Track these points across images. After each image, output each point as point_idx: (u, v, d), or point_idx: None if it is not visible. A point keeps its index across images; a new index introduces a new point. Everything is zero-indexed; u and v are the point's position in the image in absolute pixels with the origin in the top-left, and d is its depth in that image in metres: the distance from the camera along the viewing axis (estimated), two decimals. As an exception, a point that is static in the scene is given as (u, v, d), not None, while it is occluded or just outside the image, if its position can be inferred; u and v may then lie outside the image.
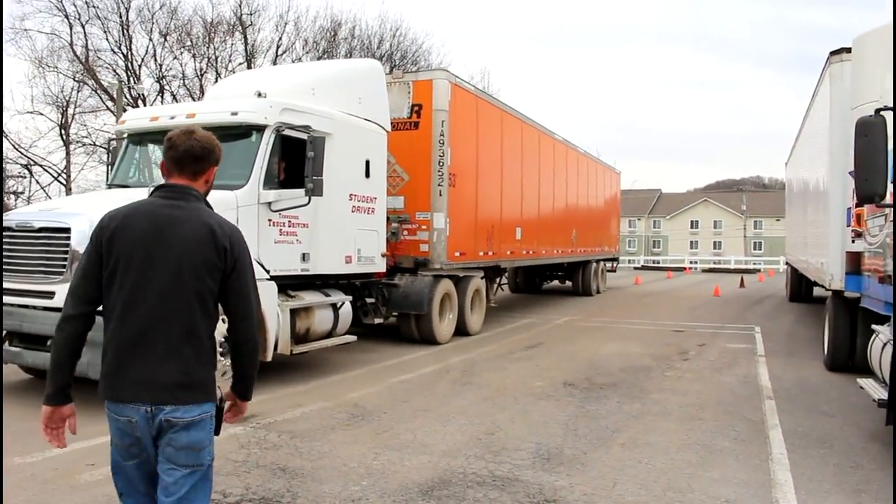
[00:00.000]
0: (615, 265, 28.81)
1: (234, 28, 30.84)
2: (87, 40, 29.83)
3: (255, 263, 3.42)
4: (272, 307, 8.35)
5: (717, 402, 8.60)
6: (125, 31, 29.85)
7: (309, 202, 8.63)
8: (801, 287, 22.04)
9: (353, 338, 10.14)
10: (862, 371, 10.47)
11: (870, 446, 6.87)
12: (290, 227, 8.86)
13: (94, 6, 29.30)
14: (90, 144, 30.58)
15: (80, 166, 31.67)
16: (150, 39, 30.29)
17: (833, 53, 10.74)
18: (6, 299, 7.35)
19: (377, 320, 11.57)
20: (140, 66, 30.55)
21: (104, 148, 28.50)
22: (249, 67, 29.73)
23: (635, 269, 47.35)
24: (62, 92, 30.14)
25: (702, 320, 17.38)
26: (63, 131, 30.40)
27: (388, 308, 12.02)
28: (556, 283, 25.06)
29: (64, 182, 30.49)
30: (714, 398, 8.83)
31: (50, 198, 27.00)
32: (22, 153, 29.75)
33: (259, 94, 9.01)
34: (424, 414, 7.60)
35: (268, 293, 8.28)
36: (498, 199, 15.02)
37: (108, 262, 2.90)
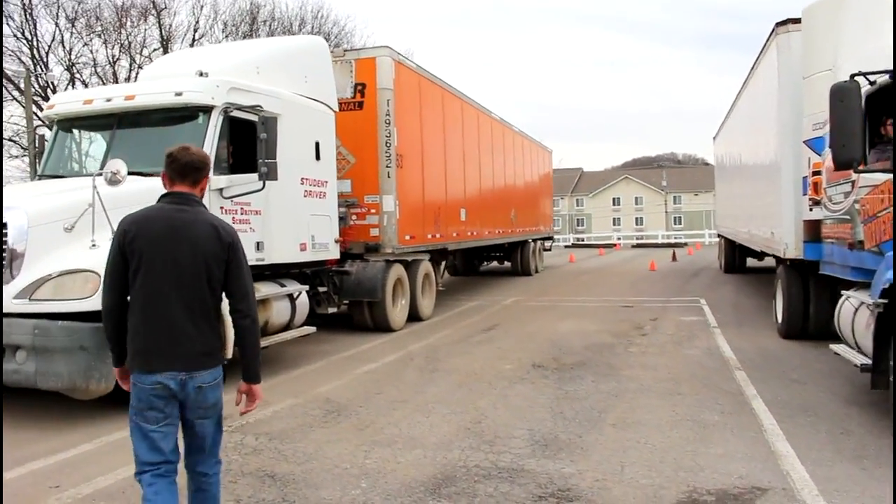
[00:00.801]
0: (550, 244, 28.91)
1: (147, 12, 29.34)
2: (-15, 26, 27.91)
3: None
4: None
5: (690, 376, 8.54)
6: (28, 15, 28.01)
7: (264, 187, 8.10)
8: (734, 258, 22.56)
9: (313, 329, 9.66)
10: (816, 337, 10.67)
11: (851, 411, 6.88)
12: (242, 214, 8.30)
13: (-9, -12, 27.35)
14: (-5, 138, 28.66)
15: (-13, 161, 29.64)
16: (57, 25, 28.54)
17: (779, 24, 10.78)
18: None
19: (331, 310, 11.10)
20: (47, 54, 28.74)
21: (13, 141, 26.84)
22: (165, 52, 28.35)
23: (566, 247, 47.85)
24: (-40, 82, 28.14)
25: (646, 294, 17.52)
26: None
27: (340, 296, 11.55)
28: (494, 264, 24.94)
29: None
30: (685, 372, 8.78)
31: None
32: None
33: (201, 74, 8.39)
34: (402, 405, 7.24)
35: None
36: (443, 180, 14.68)
37: (133, 259, 3.50)
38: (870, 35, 7.38)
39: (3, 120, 28.40)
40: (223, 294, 3.63)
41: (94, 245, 6.57)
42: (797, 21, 10.34)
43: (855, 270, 7.82)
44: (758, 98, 13.20)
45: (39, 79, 27.61)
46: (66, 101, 8.62)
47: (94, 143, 8.63)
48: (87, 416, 6.78)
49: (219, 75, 8.36)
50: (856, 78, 6.49)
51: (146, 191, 7.26)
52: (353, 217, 11.82)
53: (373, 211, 11.91)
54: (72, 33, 28.83)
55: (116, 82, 28.02)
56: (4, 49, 28.16)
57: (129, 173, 6.80)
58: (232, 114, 8.09)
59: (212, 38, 30.49)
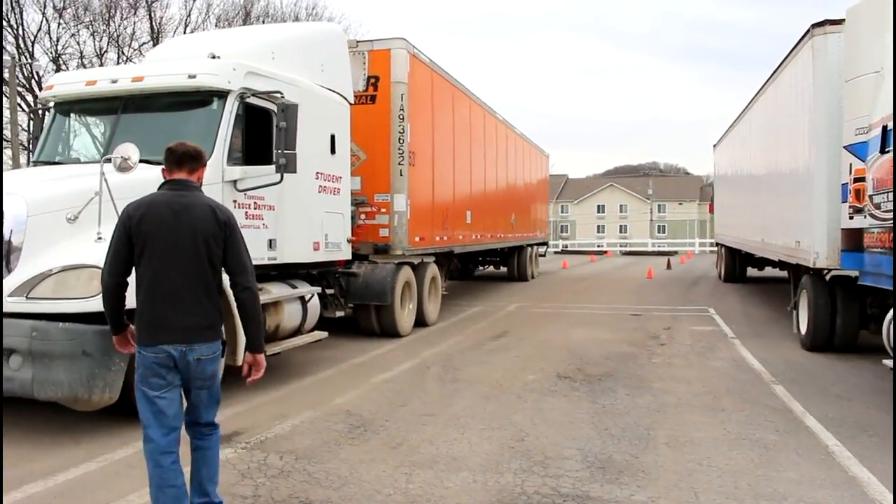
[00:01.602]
0: (545, 250, 28.44)
1: (137, 3, 28.50)
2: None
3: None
4: (242, 302, 7.19)
5: (726, 390, 8.06)
6: (14, 3, 27.03)
7: (282, 180, 7.50)
8: (734, 268, 22.21)
9: (325, 334, 9.05)
10: (842, 350, 10.26)
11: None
12: (255, 209, 7.70)
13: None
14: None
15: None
16: (44, 14, 27.62)
17: (815, 26, 10.32)
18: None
19: (339, 313, 10.49)
20: (33, 44, 27.81)
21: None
22: (156, 46, 27.56)
23: (555, 253, 47.43)
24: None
25: (651, 303, 17.07)
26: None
27: (347, 299, 10.94)
28: (489, 269, 24.40)
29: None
30: (720, 385, 8.31)
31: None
32: None
33: (213, 57, 7.79)
34: (432, 420, 6.67)
35: (238, 286, 7.13)
36: (451, 180, 14.14)
37: (138, 242, 3.82)
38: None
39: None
40: (223, 270, 3.97)
41: (99, 238, 5.93)
42: (836, 22, 9.91)
43: (909, 281, 7.36)
44: (782, 104, 12.75)
45: (24, 68, 26.67)
46: (67, 82, 7.94)
47: (96, 129, 7.98)
48: (89, 430, 6.13)
49: (232, 59, 7.75)
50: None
51: (156, 179, 6.70)
52: (362, 216, 11.23)
53: (383, 210, 11.33)
54: (59, 24, 27.95)
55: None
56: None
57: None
58: (248, 100, 7.48)
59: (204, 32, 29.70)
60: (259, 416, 6.74)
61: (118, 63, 28.50)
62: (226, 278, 4.03)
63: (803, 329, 10.95)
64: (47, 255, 5.94)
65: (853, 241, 9.00)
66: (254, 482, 4.93)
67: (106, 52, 28.41)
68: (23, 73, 26.67)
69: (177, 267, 3.80)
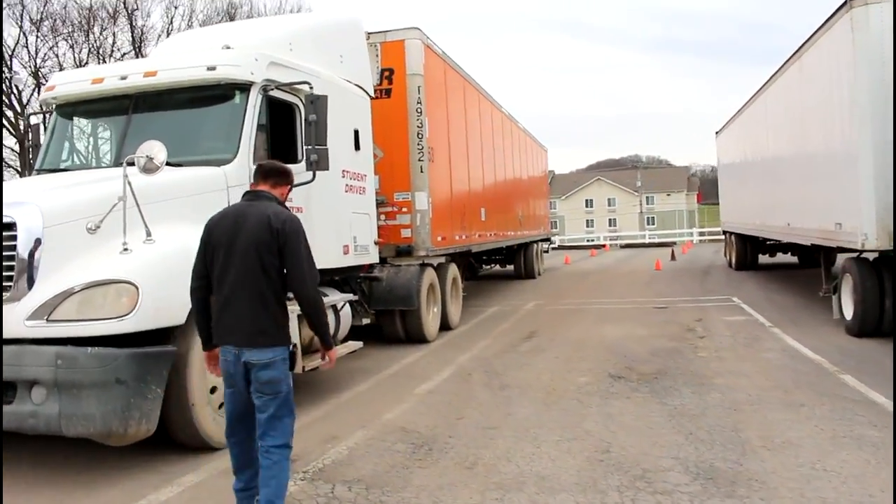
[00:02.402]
0: (549, 246, 27.92)
1: (117, 13, 27.66)
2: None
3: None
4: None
5: (794, 383, 7.55)
6: (-10, 17, 26.11)
7: (314, 178, 6.88)
8: (746, 255, 21.76)
9: (360, 344, 8.43)
10: (890, 335, 9.77)
11: None
12: (285, 212, 7.07)
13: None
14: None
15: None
16: (21, 27, 26.72)
17: (853, -3, 9.82)
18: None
19: (365, 321, 9.89)
20: (11, 57, 26.86)
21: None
22: (138, 56, 26.79)
23: (553, 248, 46.85)
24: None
25: (670, 295, 16.55)
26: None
27: (370, 305, 10.32)
28: (496, 267, 23.80)
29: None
30: (784, 378, 7.79)
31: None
32: None
33: (227, 48, 7.16)
34: (498, 433, 6.08)
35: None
36: (466, 177, 13.56)
37: (209, 250, 4.13)
38: None
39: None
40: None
41: (126, 249, 5.30)
42: (881, -8, 9.42)
43: None
44: (810, 84, 12.25)
45: (4, 82, 25.77)
46: (70, 81, 7.23)
47: (104, 131, 7.32)
48: (125, 468, 5.49)
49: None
50: None
51: (184, 182, 6.07)
52: (382, 217, 10.60)
53: (404, 209, 10.73)
54: (37, 36, 27.06)
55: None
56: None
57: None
58: (271, 93, 6.87)
59: (187, 39, 28.91)
60: (306, 438, 6.11)
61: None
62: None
63: (848, 314, 10.47)
64: (68, 271, 5.28)
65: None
66: (329, 519, 4.33)
67: (87, 63, 27.51)
68: (1, 88, 25.76)
69: (233, 274, 3.96)
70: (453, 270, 12.61)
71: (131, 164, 5.44)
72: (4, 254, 5.21)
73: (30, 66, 27.28)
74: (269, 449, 3.96)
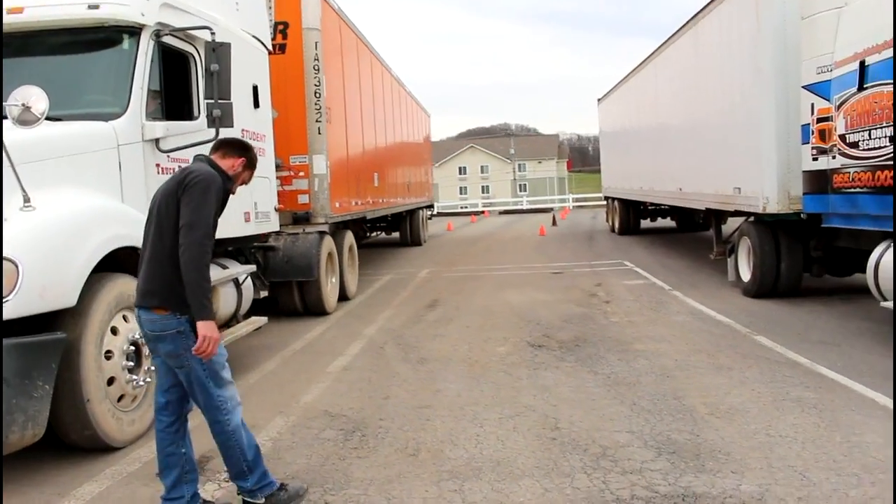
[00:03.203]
0: (432, 213, 27.62)
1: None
2: None
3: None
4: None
5: (713, 346, 7.56)
6: None
7: (217, 136, 6.08)
8: (629, 220, 22.28)
9: (265, 319, 7.74)
10: (785, 295, 10.09)
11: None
12: (181, 175, 6.25)
13: None
14: None
15: None
16: None
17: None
18: None
19: (263, 293, 9.12)
20: None
21: None
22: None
23: (432, 216, 46.56)
24: None
25: (562, 259, 16.60)
26: None
27: (265, 276, 9.56)
28: (381, 235, 23.24)
29: None
30: (702, 341, 7.81)
31: None
32: None
33: (109, -11, 6.19)
34: (433, 413, 5.63)
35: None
36: (360, 141, 12.90)
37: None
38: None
39: None
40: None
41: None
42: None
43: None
44: (707, 50, 12.36)
45: None
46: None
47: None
48: (6, 482, 4.62)
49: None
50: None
51: (67, 138, 5.17)
52: (278, 181, 9.81)
53: (301, 174, 10.02)
54: None
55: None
56: None
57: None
58: (164, 39, 5.99)
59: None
60: (220, 428, 5.43)
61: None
62: None
63: (745, 276, 10.71)
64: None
65: (817, 183, 8.66)
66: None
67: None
68: None
69: (148, 232, 3.72)
70: (350, 238, 12.01)
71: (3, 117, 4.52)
72: None
73: None
74: (209, 423, 3.72)
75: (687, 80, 13.75)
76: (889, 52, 6.93)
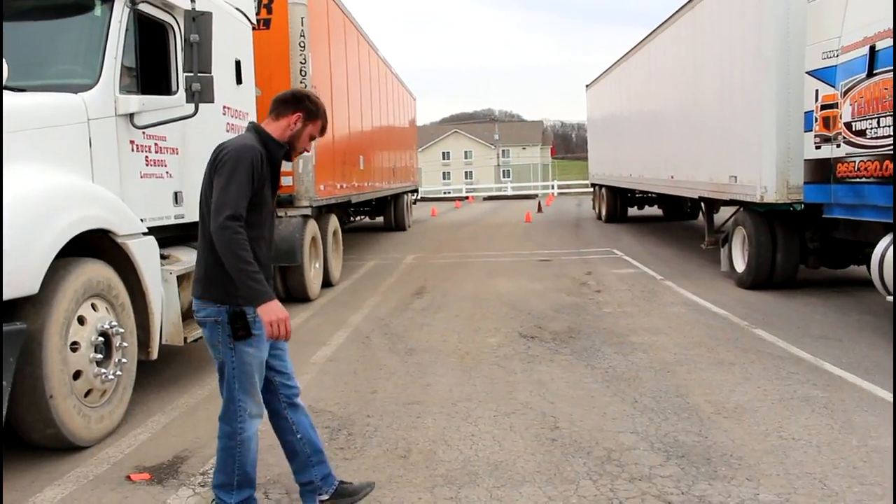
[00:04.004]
0: (416, 198, 27.27)
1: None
2: None
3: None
4: (155, 277, 5.45)
5: (712, 339, 7.30)
6: None
7: (196, 112, 5.70)
8: (616, 208, 22.05)
9: (247, 307, 7.35)
10: (781, 287, 9.86)
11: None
12: (157, 153, 5.88)
13: None
14: None
15: None
16: None
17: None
18: None
19: (244, 280, 8.75)
20: None
21: None
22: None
23: (416, 200, 46.15)
24: None
25: (550, 247, 16.34)
26: None
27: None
28: (365, 219, 22.88)
29: None
30: (700, 334, 7.55)
31: None
32: None
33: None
34: (424, 410, 5.31)
35: (148, 256, 5.37)
36: (346, 122, 12.52)
37: None
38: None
39: None
40: None
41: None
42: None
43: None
44: (706, 35, 12.04)
45: None
46: None
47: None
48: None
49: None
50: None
51: (31, 110, 4.76)
52: (261, 163, 9.42)
53: (285, 155, 9.58)
54: None
55: None
56: None
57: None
58: (140, 7, 5.59)
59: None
60: (196, 426, 5.11)
61: None
62: None
63: (739, 267, 10.48)
64: None
65: (819, 172, 8.40)
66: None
67: None
68: None
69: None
70: (334, 222, 11.64)
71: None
72: None
73: None
74: (220, 422, 3.43)
75: (683, 64, 13.44)
76: (902, 37, 6.65)
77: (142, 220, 5.45)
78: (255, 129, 3.42)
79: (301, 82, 9.49)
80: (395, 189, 19.53)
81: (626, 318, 8.49)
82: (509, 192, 47.94)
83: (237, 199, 3.14)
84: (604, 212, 22.67)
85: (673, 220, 21.73)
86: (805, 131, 8.63)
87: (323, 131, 3.58)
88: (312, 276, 10.23)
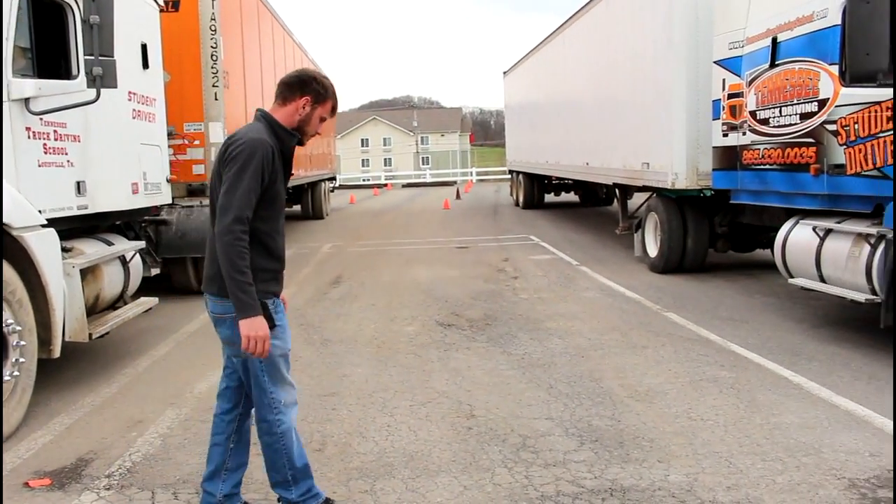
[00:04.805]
0: (335, 186, 26.96)
1: None
2: None
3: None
4: (56, 270, 5.20)
5: (624, 323, 7.49)
6: None
7: (97, 98, 5.45)
8: (533, 195, 22.33)
9: (155, 300, 7.11)
10: (690, 271, 10.20)
11: (841, 350, 6.22)
12: (56, 140, 5.58)
13: None
14: None
15: None
16: None
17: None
18: None
19: (154, 271, 8.47)
20: None
21: None
22: None
23: (334, 188, 45.66)
24: None
25: (468, 234, 16.43)
26: None
27: (158, 252, 8.89)
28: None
29: None
30: (613, 319, 7.73)
31: None
32: None
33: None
34: (340, 401, 5.25)
35: (48, 249, 5.11)
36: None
37: None
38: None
39: None
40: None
41: None
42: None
43: (812, 198, 7.09)
44: (618, 24, 12.27)
45: None
46: None
47: None
48: None
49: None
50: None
51: None
52: (171, 151, 9.08)
53: (196, 142, 9.32)
54: None
55: None
56: None
57: None
58: (34, -15, 5.28)
59: None
60: (102, 426, 4.91)
61: None
62: None
63: (652, 252, 10.77)
64: None
65: (727, 159, 8.69)
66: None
67: None
68: None
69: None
70: (250, 212, 11.35)
71: None
72: None
73: None
74: (257, 420, 3.37)
75: (597, 52, 13.67)
76: (801, 30, 6.92)
77: (40, 212, 5.18)
78: (264, 117, 3.25)
79: (213, 67, 9.21)
80: (312, 177, 19.25)
81: (542, 304, 8.61)
82: (428, 179, 47.95)
83: (243, 201, 3.03)
84: (521, 198, 22.94)
85: (589, 206, 22.16)
86: (713, 119, 8.91)
87: (333, 112, 3.39)
88: (226, 266, 9.96)
